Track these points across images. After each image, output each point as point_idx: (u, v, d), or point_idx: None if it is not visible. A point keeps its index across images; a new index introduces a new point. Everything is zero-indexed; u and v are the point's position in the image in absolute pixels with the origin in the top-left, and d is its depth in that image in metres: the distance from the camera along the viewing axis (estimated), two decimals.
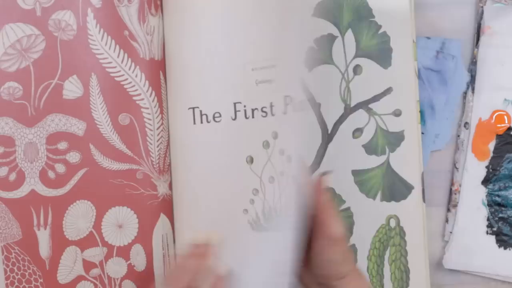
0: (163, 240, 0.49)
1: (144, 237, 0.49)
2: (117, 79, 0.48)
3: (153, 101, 0.49)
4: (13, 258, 0.47)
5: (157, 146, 0.49)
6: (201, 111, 0.49)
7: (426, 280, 0.50)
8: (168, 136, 0.50)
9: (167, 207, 0.50)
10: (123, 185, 0.48)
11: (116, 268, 0.49)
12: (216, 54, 0.48)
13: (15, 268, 0.47)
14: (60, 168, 0.48)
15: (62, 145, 0.48)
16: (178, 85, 0.49)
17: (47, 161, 0.48)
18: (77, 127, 0.48)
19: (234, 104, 0.48)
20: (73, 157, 0.48)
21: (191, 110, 0.49)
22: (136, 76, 0.48)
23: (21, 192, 0.47)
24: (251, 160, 0.48)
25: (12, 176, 0.47)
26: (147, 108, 0.49)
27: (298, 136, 0.47)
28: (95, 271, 0.49)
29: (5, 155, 0.47)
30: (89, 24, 0.47)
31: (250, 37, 0.48)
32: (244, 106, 0.48)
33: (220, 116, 0.48)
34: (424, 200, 0.52)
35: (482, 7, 0.57)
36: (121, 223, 0.49)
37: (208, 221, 0.49)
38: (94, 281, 0.49)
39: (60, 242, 0.48)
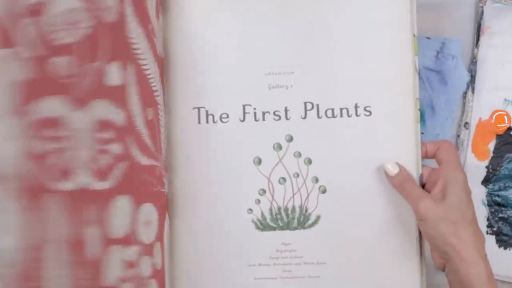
0: (168, 239, 0.49)
1: (160, 235, 0.47)
2: (145, 72, 0.46)
3: (163, 98, 0.48)
4: (60, 258, 0.39)
5: (164, 144, 0.48)
6: (207, 111, 0.49)
7: (422, 280, 0.50)
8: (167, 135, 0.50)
9: (167, 205, 0.49)
10: (148, 181, 0.46)
11: (145, 267, 0.45)
12: (226, 57, 0.49)
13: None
14: (105, 159, 0.42)
15: (106, 135, 0.42)
16: (182, 85, 0.50)
17: (93, 151, 0.41)
18: (119, 116, 0.43)
19: (243, 106, 0.49)
20: (116, 148, 0.43)
21: (196, 109, 0.50)
22: (155, 72, 0.47)
23: (70, 184, 0.39)
24: (259, 161, 0.49)
25: (61, 166, 0.39)
26: (160, 105, 0.48)
27: (323, 140, 0.49)
28: (133, 271, 0.44)
29: (55, 140, 0.38)
30: (127, 11, 0.44)
31: (265, 43, 0.49)
32: (254, 109, 0.49)
33: (228, 117, 0.49)
34: None
35: (482, 7, 0.57)
36: (148, 220, 0.46)
37: (209, 219, 0.50)
38: (134, 281, 0.44)
39: (105, 242, 0.41)
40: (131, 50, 0.44)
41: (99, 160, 0.41)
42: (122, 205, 0.43)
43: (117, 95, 0.43)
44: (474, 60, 0.57)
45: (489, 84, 0.57)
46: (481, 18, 0.57)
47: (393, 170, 0.48)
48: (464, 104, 0.58)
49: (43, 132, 0.36)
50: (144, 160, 0.45)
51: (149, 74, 0.46)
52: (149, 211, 0.46)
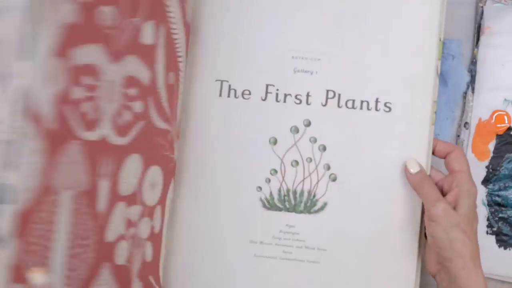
0: (170, 205, 0.49)
1: (163, 199, 0.48)
2: (173, 35, 0.46)
3: (185, 65, 0.49)
4: (73, 206, 0.37)
5: (178, 111, 0.49)
6: (230, 85, 0.50)
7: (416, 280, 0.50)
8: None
9: (174, 172, 0.50)
10: (160, 144, 0.47)
11: (144, 228, 0.45)
12: (255, 34, 0.50)
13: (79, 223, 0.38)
14: (127, 115, 0.42)
15: (132, 91, 0.42)
16: (208, 55, 0.51)
17: (119, 105, 0.41)
18: (145, 75, 0.44)
19: (267, 85, 0.50)
20: (138, 106, 0.43)
21: (219, 82, 0.51)
22: (182, 37, 0.47)
23: (94, 134, 0.39)
24: (274, 141, 0.50)
25: (90, 115, 0.38)
26: (182, 71, 0.49)
27: (340, 129, 0.50)
28: (132, 231, 0.44)
29: (89, 89, 0.37)
30: None
31: (296, 26, 0.50)
32: (277, 90, 0.50)
33: (250, 94, 0.50)
34: None
35: (482, 7, 0.58)
36: (154, 183, 0.46)
37: (217, 191, 0.50)
38: (130, 240, 0.44)
39: (113, 197, 0.41)
40: (165, 11, 0.45)
41: (122, 115, 0.41)
42: (133, 164, 0.43)
43: (148, 54, 0.43)
44: (474, 60, 0.58)
45: (489, 84, 0.57)
46: (481, 18, 0.58)
47: (414, 168, 0.48)
48: (464, 104, 0.58)
49: (81, 79, 0.36)
50: (159, 123, 0.46)
51: (176, 39, 0.47)
52: (156, 173, 0.46)
